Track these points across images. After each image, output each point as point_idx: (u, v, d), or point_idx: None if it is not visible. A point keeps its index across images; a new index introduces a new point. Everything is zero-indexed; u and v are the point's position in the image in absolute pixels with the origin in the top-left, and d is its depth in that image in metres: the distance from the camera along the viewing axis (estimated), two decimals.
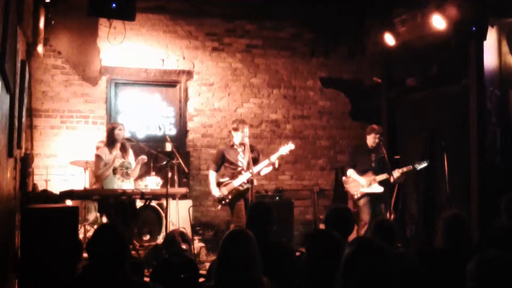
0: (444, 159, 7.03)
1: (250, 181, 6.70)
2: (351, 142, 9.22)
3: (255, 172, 6.71)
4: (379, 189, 7.08)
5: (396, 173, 6.97)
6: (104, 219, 6.86)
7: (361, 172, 7.17)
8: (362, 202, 7.09)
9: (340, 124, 9.62)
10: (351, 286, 2.22)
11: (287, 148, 6.95)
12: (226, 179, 6.83)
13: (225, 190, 6.78)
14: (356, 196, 7.14)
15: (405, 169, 7.01)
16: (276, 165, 6.91)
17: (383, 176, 7.00)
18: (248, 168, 6.70)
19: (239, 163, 6.86)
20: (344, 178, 7.42)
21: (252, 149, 6.97)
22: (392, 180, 6.96)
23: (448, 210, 5.79)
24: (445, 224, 3.56)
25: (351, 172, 7.25)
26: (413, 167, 6.99)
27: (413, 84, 8.48)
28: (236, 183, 6.76)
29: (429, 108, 7.96)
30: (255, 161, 6.86)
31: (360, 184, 7.10)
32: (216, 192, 6.84)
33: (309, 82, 9.54)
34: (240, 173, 6.79)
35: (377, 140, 7.16)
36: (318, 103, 9.58)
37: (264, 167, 6.87)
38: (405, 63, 8.56)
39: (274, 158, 6.85)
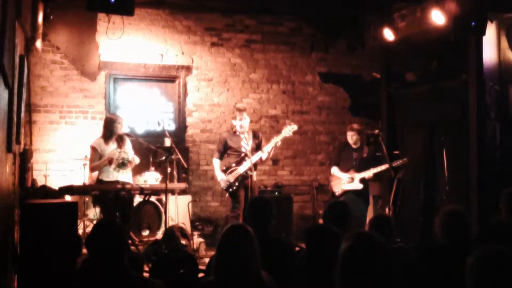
0: (443, 154, 7.03)
1: (253, 168, 6.73)
2: (360, 139, 9.18)
3: (258, 158, 6.79)
4: (359, 186, 7.23)
5: (374, 171, 7.14)
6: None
7: (344, 170, 7.37)
8: (342, 198, 7.17)
9: (340, 119, 9.61)
10: (349, 281, 2.22)
11: (290, 129, 6.97)
12: (232, 165, 6.86)
13: (231, 177, 6.82)
14: (337, 193, 7.33)
15: (383, 167, 7.15)
16: (279, 143, 6.93)
17: (363, 174, 7.18)
18: (250, 155, 6.72)
19: (243, 149, 6.87)
20: (329, 176, 7.65)
21: (255, 134, 7.02)
22: (367, 177, 7.19)
23: (447, 205, 5.80)
24: (444, 219, 3.56)
25: (334, 170, 7.46)
26: (390, 165, 7.10)
27: (413, 79, 8.46)
28: (242, 169, 6.78)
29: (428, 103, 7.95)
30: (258, 146, 6.90)
31: (342, 181, 7.30)
32: (222, 178, 6.87)
33: (308, 77, 9.53)
34: (244, 159, 6.81)
35: (355, 137, 7.38)
36: (317, 98, 9.57)
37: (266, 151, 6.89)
38: (404, 58, 8.55)
39: (277, 140, 6.88)
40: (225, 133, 7.27)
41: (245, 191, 6.83)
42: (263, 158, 6.95)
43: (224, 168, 6.93)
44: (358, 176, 7.21)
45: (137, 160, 6.85)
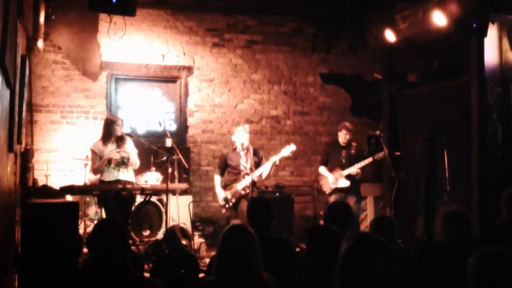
0: (444, 155, 7.03)
1: (252, 185, 6.70)
2: (352, 138, 9.20)
3: (257, 176, 6.75)
4: (346, 183, 7.32)
5: (358, 166, 7.23)
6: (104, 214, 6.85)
7: (332, 168, 7.42)
8: (333, 197, 7.32)
9: (341, 120, 9.50)
10: (349, 282, 2.22)
11: (288, 149, 6.95)
12: (230, 183, 6.87)
13: (229, 194, 6.84)
14: (327, 192, 7.42)
15: (366, 161, 7.26)
16: (277, 162, 6.90)
17: (348, 171, 7.26)
18: (251, 171, 6.68)
19: (241, 167, 6.87)
20: (317, 175, 7.74)
21: (255, 152, 6.98)
22: (353, 173, 7.24)
23: (448, 205, 5.80)
24: (445, 219, 3.56)
25: (322, 170, 7.54)
26: (373, 159, 7.26)
27: (414, 79, 8.47)
28: (239, 186, 6.78)
29: (430, 103, 7.95)
30: (258, 164, 6.87)
31: (329, 180, 7.37)
32: (221, 196, 6.91)
33: (309, 78, 9.53)
34: (243, 177, 6.80)
35: (348, 137, 7.40)
36: (319, 99, 9.57)
37: (265, 169, 6.86)
38: (406, 58, 8.55)
39: (276, 159, 6.85)
40: (226, 150, 7.28)
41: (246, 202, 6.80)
42: (263, 177, 6.95)
43: (223, 185, 6.97)
44: (344, 173, 7.28)
45: (137, 162, 6.82)
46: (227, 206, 6.90)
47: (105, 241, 2.75)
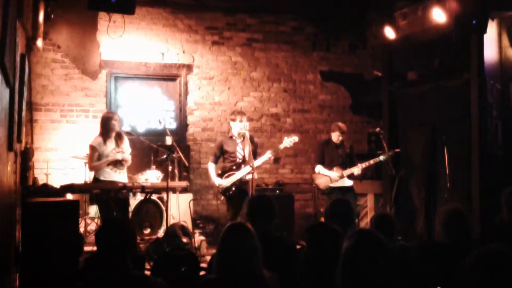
0: (445, 153, 7.03)
1: (251, 174, 6.66)
2: (352, 136, 9.22)
3: (255, 165, 6.70)
4: (349, 182, 7.36)
5: (363, 166, 7.26)
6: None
7: (330, 167, 7.40)
8: (332, 196, 7.18)
9: (341, 118, 9.57)
10: (350, 280, 2.23)
11: (290, 140, 6.91)
12: (229, 170, 6.80)
13: (228, 182, 6.76)
14: (326, 191, 7.39)
15: (372, 161, 7.30)
16: (273, 157, 6.90)
17: (351, 170, 7.26)
18: (248, 160, 6.65)
19: (238, 154, 6.84)
20: (313, 174, 7.64)
21: (251, 139, 6.92)
22: (356, 173, 7.27)
23: (447, 204, 5.80)
24: (444, 218, 3.56)
25: (319, 168, 7.47)
26: (379, 159, 7.30)
27: (414, 77, 8.46)
28: (239, 174, 6.74)
29: (430, 101, 7.95)
30: (254, 153, 6.83)
31: (331, 179, 7.33)
32: (218, 182, 6.80)
33: (309, 76, 9.53)
34: (240, 165, 6.77)
35: (340, 138, 7.43)
36: (319, 97, 9.57)
37: (260, 160, 6.84)
38: (406, 56, 8.55)
39: (273, 153, 6.84)
40: (221, 137, 7.23)
41: (240, 196, 6.79)
42: (259, 163, 6.90)
43: (220, 172, 6.89)
44: (346, 172, 7.28)
45: (130, 161, 6.79)
46: (227, 194, 6.81)
47: (114, 237, 2.76)
